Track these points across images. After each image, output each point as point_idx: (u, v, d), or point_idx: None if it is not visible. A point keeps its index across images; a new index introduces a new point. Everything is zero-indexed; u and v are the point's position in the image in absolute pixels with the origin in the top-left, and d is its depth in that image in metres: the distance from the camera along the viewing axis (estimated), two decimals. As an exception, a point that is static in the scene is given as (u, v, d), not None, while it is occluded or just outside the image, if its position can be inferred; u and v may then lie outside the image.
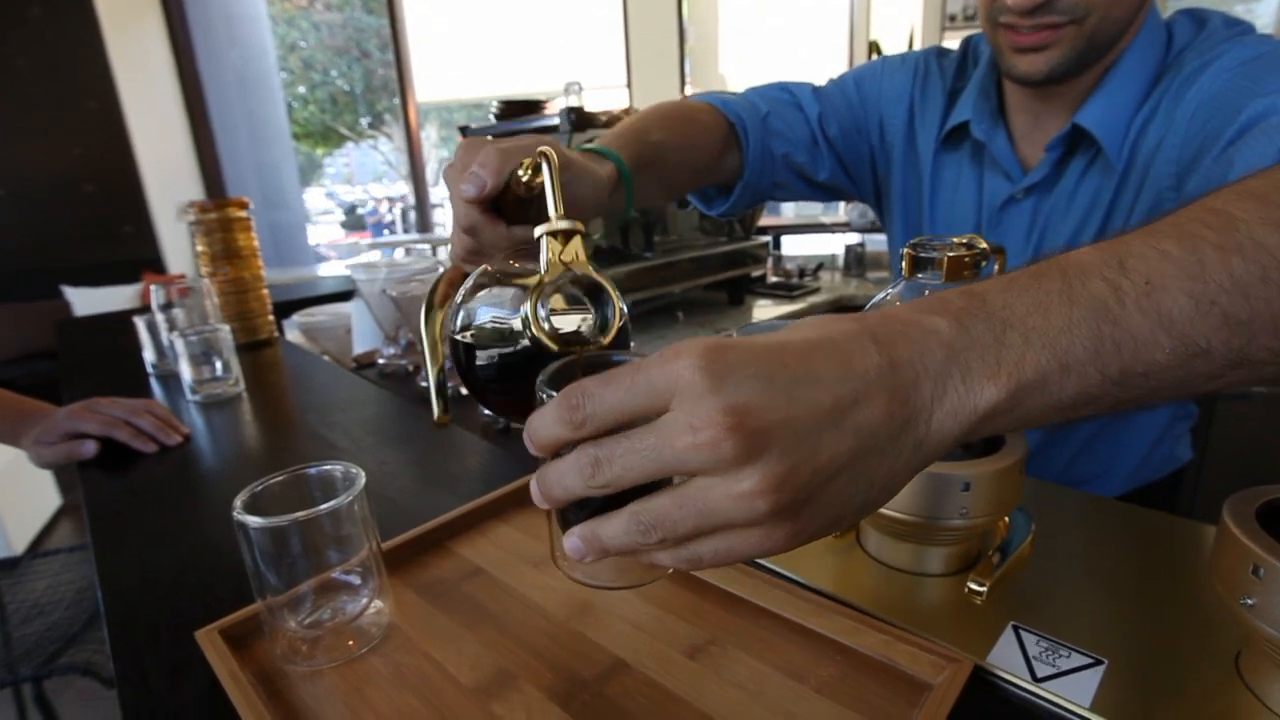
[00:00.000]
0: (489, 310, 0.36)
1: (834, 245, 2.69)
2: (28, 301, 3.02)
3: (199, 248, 1.11)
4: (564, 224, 0.33)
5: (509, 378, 0.35)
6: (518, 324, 0.34)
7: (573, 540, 0.26)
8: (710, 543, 0.24)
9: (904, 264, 0.45)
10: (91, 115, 3.16)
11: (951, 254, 0.42)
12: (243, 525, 0.38)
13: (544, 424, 0.25)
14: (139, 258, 3.26)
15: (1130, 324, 0.24)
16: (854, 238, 2.41)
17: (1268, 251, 0.24)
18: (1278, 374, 0.25)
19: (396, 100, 4.09)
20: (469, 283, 0.38)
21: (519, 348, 0.34)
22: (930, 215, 0.74)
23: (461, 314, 0.36)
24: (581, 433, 0.24)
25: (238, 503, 0.39)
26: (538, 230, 0.34)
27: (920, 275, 0.44)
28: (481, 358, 0.35)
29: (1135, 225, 0.27)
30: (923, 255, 0.44)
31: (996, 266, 0.48)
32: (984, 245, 0.44)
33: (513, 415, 0.43)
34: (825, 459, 0.23)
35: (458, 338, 0.36)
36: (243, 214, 1.12)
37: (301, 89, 4.44)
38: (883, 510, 0.44)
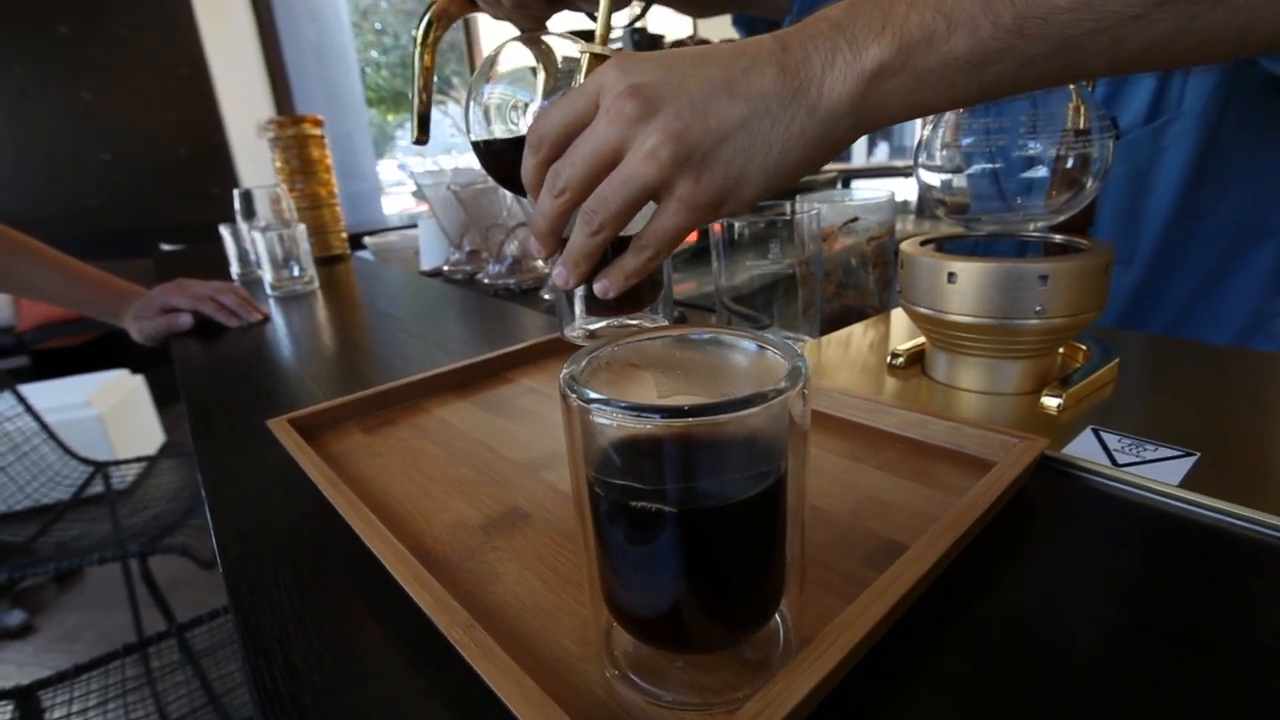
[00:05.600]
0: (512, 99, 0.38)
1: (906, 191, 2.57)
2: (127, 259, 3.26)
3: (276, 164, 1.16)
4: (604, 50, 0.34)
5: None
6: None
7: (558, 269, 0.29)
8: (650, 228, 0.28)
9: None
10: (184, 81, 3.35)
11: None
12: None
13: (523, 164, 0.30)
14: (227, 218, 3.46)
15: None
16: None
17: None
18: (1226, 19, 0.23)
19: (465, 65, 4.15)
20: (499, 55, 0.38)
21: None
22: None
23: (488, 94, 0.37)
24: (541, 152, 0.28)
25: None
26: (579, 47, 0.35)
27: None
28: (501, 145, 0.37)
29: None
30: None
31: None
32: None
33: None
34: (715, 121, 0.26)
35: (480, 123, 0.37)
36: (317, 131, 1.16)
37: (374, 53, 4.55)
38: (953, 316, 0.42)
